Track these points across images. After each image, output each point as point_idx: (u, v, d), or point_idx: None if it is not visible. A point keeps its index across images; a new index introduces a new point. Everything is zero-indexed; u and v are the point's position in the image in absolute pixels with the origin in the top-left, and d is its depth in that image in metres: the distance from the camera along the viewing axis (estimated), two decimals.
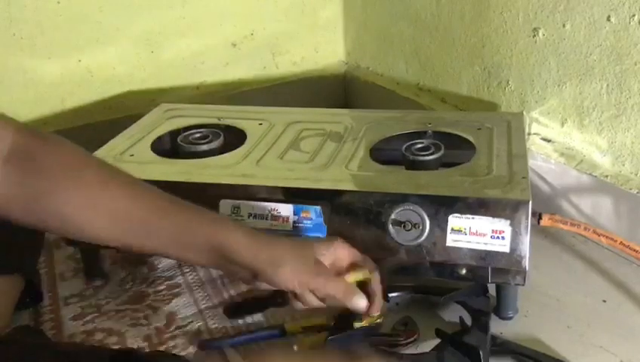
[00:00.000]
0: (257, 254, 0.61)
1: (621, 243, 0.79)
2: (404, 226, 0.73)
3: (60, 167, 0.61)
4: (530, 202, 0.71)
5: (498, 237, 0.71)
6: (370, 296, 0.65)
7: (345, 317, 0.70)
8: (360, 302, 0.64)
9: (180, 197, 0.63)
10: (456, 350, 0.71)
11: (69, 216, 0.60)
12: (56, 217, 0.61)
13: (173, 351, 0.77)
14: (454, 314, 0.78)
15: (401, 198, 0.74)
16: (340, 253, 0.66)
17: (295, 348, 0.74)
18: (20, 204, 0.60)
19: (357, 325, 0.68)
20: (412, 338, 0.75)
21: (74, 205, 0.60)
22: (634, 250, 0.79)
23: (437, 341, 0.73)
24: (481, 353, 0.69)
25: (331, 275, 0.64)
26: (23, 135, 0.61)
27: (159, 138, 0.97)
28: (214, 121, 1.02)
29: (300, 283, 0.61)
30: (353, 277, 0.65)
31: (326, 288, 0.62)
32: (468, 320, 0.76)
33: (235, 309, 0.83)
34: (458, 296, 0.78)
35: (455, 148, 0.88)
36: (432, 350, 0.72)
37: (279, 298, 0.68)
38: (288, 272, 0.61)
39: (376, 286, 0.66)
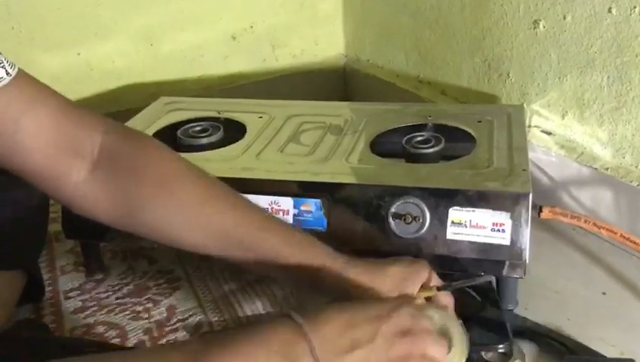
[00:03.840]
0: (352, 291, 0.62)
1: (621, 235, 0.79)
2: (404, 219, 0.73)
3: (157, 177, 0.60)
4: (531, 195, 0.71)
5: (498, 230, 0.71)
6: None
7: None
8: None
9: None
10: (478, 327, 0.71)
11: (162, 228, 0.60)
12: (147, 227, 0.61)
13: None
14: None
15: (402, 191, 0.74)
16: (422, 279, 0.67)
17: None
18: (109, 208, 0.60)
19: None
20: None
21: (169, 219, 0.60)
22: (634, 243, 0.79)
23: None
24: (507, 325, 0.70)
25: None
26: (115, 135, 0.60)
27: (159, 131, 0.97)
28: (214, 114, 1.02)
29: None
30: (423, 295, 0.67)
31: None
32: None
33: None
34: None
35: (455, 141, 0.88)
36: None
37: None
38: None
39: (446, 300, 0.68)
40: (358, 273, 0.64)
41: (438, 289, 0.69)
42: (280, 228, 0.64)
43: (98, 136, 0.59)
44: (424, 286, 0.68)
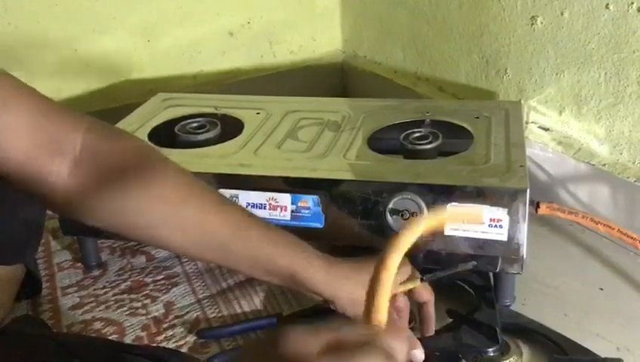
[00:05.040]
0: (336, 290, 0.64)
1: (618, 231, 0.80)
2: (402, 215, 0.73)
3: (139, 175, 0.60)
4: (528, 190, 0.71)
5: (496, 226, 0.71)
6: (425, 304, 0.71)
7: None
8: (419, 357, 0.65)
9: None
10: (470, 328, 0.72)
11: (142, 227, 0.60)
12: (128, 225, 0.60)
13: (172, 341, 0.78)
14: (451, 295, 0.79)
15: (399, 187, 0.74)
16: (405, 274, 0.69)
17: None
18: (89, 206, 0.59)
19: None
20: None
21: (150, 218, 0.60)
22: (631, 238, 0.79)
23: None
24: (497, 329, 0.70)
25: (403, 330, 0.65)
26: (97, 134, 0.60)
27: (156, 128, 0.97)
28: (211, 110, 1.02)
29: None
30: (405, 287, 0.69)
31: (394, 342, 0.64)
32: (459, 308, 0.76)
33: (291, 319, 0.79)
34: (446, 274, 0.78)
35: (453, 137, 0.88)
36: (447, 330, 0.73)
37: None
38: None
39: (427, 294, 0.70)
40: (342, 271, 0.65)
41: (422, 279, 0.69)
42: (263, 226, 0.64)
43: (79, 134, 0.59)
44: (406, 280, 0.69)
